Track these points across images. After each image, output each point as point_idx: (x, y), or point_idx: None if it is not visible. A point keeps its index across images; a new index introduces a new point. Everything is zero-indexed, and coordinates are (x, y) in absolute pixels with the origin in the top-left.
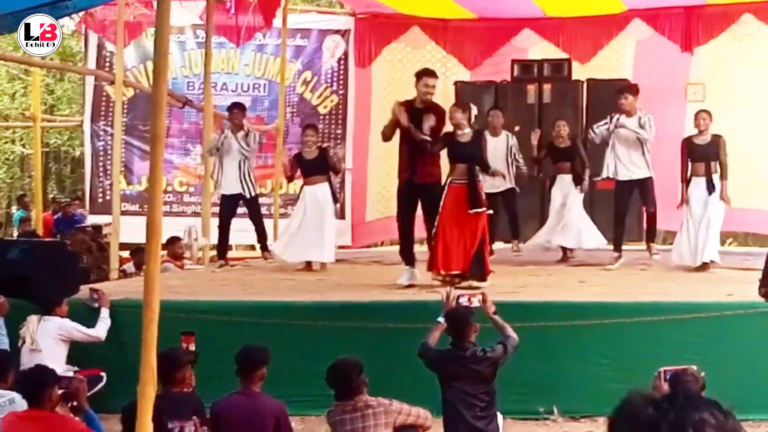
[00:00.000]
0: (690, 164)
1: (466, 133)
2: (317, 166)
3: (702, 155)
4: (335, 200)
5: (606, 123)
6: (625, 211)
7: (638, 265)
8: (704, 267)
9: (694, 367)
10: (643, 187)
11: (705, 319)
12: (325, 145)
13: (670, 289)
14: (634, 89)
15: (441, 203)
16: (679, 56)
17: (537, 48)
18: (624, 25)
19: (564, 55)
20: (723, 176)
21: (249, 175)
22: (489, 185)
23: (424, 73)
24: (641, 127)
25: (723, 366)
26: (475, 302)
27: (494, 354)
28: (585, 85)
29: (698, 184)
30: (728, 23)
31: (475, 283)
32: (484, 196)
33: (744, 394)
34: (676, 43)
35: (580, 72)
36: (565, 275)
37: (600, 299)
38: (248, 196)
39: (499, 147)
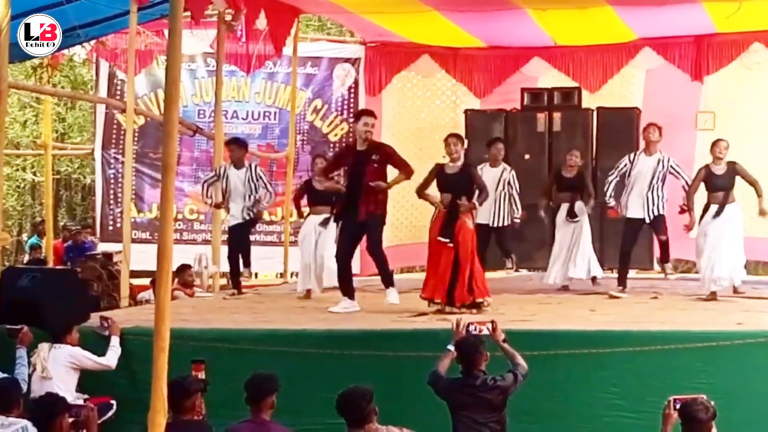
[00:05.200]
0: (707, 193)
1: (456, 166)
2: (326, 196)
3: (721, 185)
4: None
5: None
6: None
7: (648, 294)
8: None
9: (704, 396)
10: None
11: (715, 348)
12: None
13: (680, 318)
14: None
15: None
16: (689, 85)
17: (547, 76)
18: (634, 53)
19: (574, 84)
20: (759, 193)
21: (252, 205)
22: (484, 216)
23: (364, 113)
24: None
25: (733, 395)
26: (485, 330)
27: (504, 382)
28: (595, 113)
29: (715, 211)
30: (738, 52)
31: (455, 310)
32: (464, 227)
33: (754, 424)
34: (686, 71)
35: (590, 100)
36: (575, 304)
37: (610, 328)
38: (242, 219)
39: (493, 179)
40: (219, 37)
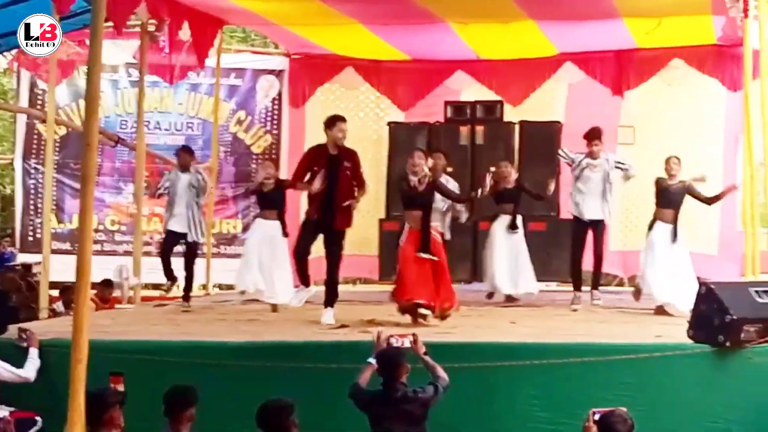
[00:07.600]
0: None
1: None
2: (275, 200)
3: (672, 201)
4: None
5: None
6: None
7: (569, 306)
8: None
9: (623, 409)
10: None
11: (634, 360)
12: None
13: (600, 331)
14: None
15: (401, 244)
16: (610, 99)
17: (470, 90)
18: (556, 68)
19: (497, 97)
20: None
21: (198, 218)
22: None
23: (338, 119)
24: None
25: (652, 407)
26: (406, 343)
27: (425, 395)
28: (517, 126)
29: (664, 229)
30: (658, 68)
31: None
32: (439, 240)
33: None
34: (607, 86)
35: (512, 114)
36: (495, 316)
37: (531, 340)
38: (191, 239)
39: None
40: (142, 47)
